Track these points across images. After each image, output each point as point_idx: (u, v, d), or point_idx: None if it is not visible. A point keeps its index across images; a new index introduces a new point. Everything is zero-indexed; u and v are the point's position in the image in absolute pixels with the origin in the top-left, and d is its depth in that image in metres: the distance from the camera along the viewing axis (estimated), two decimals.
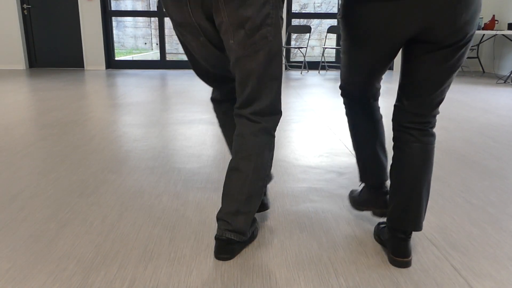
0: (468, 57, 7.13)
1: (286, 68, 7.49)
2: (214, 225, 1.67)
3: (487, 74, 7.07)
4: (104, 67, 7.34)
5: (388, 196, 1.47)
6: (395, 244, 1.39)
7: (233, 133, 1.60)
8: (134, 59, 7.99)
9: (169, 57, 7.81)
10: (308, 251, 1.48)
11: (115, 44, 7.61)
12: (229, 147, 1.64)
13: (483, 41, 7.01)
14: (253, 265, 1.40)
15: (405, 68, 1.32)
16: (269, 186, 2.08)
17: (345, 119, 3.59)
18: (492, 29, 6.68)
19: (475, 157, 2.59)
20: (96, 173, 2.24)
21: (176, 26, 1.38)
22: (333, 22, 7.90)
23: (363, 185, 1.63)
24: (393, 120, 1.42)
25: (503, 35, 6.94)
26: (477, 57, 7.21)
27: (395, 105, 1.40)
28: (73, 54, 7.36)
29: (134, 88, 5.23)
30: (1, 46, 7.17)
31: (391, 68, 7.61)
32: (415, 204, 1.35)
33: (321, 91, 5.22)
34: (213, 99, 1.62)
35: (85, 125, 3.30)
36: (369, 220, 1.73)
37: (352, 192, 1.73)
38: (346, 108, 1.55)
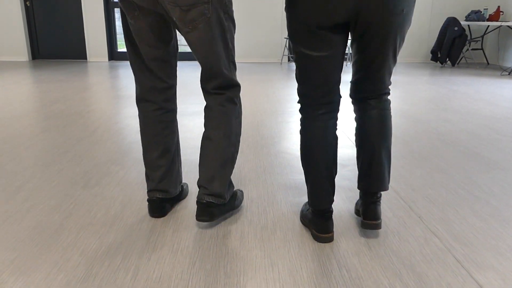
0: (472, 49, 7.07)
1: (288, 60, 7.46)
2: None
3: (492, 66, 7.02)
4: (107, 58, 7.33)
5: (330, 221, 1.48)
6: (365, 207, 1.48)
7: (149, 137, 1.60)
8: None
9: None
10: (311, 243, 1.49)
11: (118, 36, 7.59)
12: (144, 147, 1.63)
13: (488, 33, 6.95)
14: (255, 256, 1.40)
15: (354, 48, 1.42)
16: (270, 178, 2.09)
17: (347, 112, 3.57)
18: (497, 20, 6.61)
19: (479, 149, 2.58)
20: (99, 164, 2.25)
21: (119, 3, 1.45)
22: None
23: None
24: (350, 96, 1.53)
25: (508, 26, 6.87)
26: (482, 49, 7.16)
27: (350, 82, 1.51)
28: (76, 46, 7.34)
29: None
30: (4, 38, 7.16)
31: None
32: (377, 165, 1.46)
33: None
34: (138, 99, 1.60)
35: (88, 117, 3.30)
36: None
37: (306, 204, 1.70)
38: (302, 124, 1.48)
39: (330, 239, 1.49)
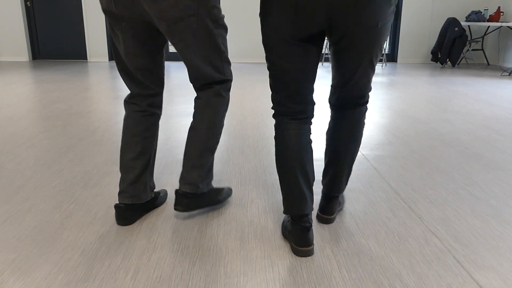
0: (472, 49, 7.07)
1: None
2: (217, 217, 1.68)
3: (492, 67, 7.02)
4: (107, 59, 7.33)
5: (310, 233, 1.40)
6: (324, 202, 1.63)
7: (128, 137, 1.61)
8: None
9: (171, 49, 7.78)
10: None
11: None
12: (122, 147, 1.63)
13: (488, 33, 6.95)
14: (255, 256, 1.40)
15: (331, 52, 1.42)
16: (270, 178, 2.09)
17: None
18: (497, 21, 6.61)
19: (479, 149, 2.58)
20: (99, 164, 2.25)
21: (104, 14, 1.48)
22: None
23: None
24: (329, 100, 1.55)
25: (508, 27, 6.88)
26: (482, 49, 7.16)
27: (331, 85, 1.52)
28: (76, 46, 7.35)
29: None
30: (4, 38, 7.17)
31: (395, 60, 7.56)
32: (338, 172, 1.56)
33: (323, 82, 5.20)
34: (125, 100, 1.63)
35: (88, 117, 3.30)
36: (372, 213, 1.73)
37: (287, 216, 1.61)
38: (276, 130, 1.45)
39: (309, 253, 1.40)
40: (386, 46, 7.15)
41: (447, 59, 6.71)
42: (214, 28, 1.47)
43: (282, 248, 1.45)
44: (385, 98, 4.23)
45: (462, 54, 6.87)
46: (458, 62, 7.07)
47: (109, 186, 1.96)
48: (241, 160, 2.35)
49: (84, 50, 7.35)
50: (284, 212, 1.45)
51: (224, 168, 2.22)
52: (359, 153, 2.49)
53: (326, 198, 1.62)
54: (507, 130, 3.03)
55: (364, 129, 3.04)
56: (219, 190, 1.74)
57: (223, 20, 1.51)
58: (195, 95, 4.23)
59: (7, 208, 1.73)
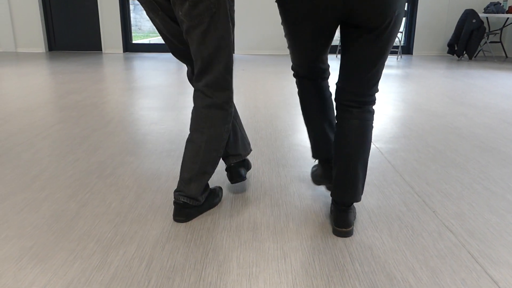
0: (490, 42, 6.93)
1: None
2: (230, 208, 1.69)
3: (510, 59, 6.87)
4: (121, 50, 7.37)
5: None
6: (336, 214, 1.49)
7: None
8: (151, 42, 8.00)
9: None
10: (323, 235, 1.49)
11: (132, 28, 7.62)
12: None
13: (507, 25, 6.80)
14: (268, 248, 1.41)
15: (342, 50, 1.42)
16: (284, 171, 2.09)
17: None
18: None
19: (495, 143, 2.54)
20: (114, 155, 2.28)
21: (141, 4, 1.51)
22: None
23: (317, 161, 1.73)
24: (335, 99, 1.51)
25: None
26: (500, 42, 7.01)
27: (336, 84, 1.50)
28: (91, 38, 7.40)
29: (151, 72, 5.25)
30: (21, 29, 7.25)
31: (411, 53, 7.46)
32: (352, 178, 1.45)
33: (337, 74, 5.16)
34: (188, 78, 1.70)
35: (103, 108, 3.33)
36: (385, 206, 1.72)
37: (313, 167, 1.84)
38: (297, 87, 1.62)
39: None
40: (402, 38, 7.05)
41: (464, 52, 6.59)
42: (229, 17, 1.46)
43: (294, 240, 1.46)
44: (400, 91, 4.18)
45: (479, 46, 6.75)
46: (475, 54, 6.95)
47: (123, 176, 1.98)
48: (254, 152, 2.35)
49: (99, 41, 7.40)
50: (313, 157, 1.65)
51: None
52: (373, 146, 2.47)
53: (341, 208, 1.48)
54: None
55: (379, 121, 3.02)
56: (215, 192, 1.71)
57: (234, 13, 1.51)
58: None
59: (24, 197, 1.76)
